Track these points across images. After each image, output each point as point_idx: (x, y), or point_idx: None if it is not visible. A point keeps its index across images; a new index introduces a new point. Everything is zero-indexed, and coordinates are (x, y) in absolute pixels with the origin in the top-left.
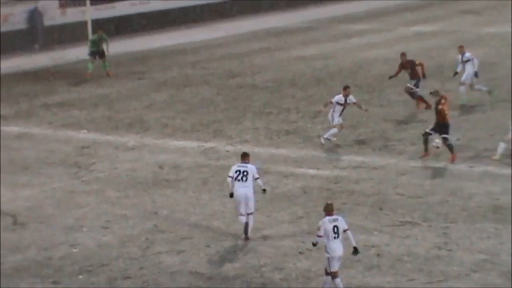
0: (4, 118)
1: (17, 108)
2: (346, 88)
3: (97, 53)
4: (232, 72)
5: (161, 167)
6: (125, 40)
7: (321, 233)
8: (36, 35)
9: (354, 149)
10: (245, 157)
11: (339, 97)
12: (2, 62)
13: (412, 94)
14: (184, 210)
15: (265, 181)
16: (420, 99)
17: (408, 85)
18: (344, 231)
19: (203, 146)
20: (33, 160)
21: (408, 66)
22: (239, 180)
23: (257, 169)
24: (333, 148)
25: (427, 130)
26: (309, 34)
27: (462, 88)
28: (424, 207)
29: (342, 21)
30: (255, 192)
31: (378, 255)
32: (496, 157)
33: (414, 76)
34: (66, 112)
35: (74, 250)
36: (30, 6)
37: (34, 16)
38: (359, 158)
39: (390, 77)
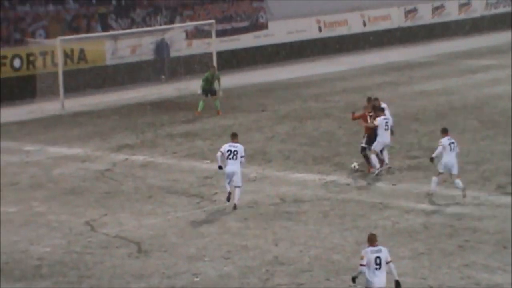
0: (130, 147)
1: (142, 138)
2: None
3: (209, 90)
4: (354, 105)
5: (282, 199)
6: (248, 72)
7: (364, 262)
8: (162, 66)
9: (477, 186)
10: (234, 137)
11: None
12: (128, 92)
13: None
14: (304, 243)
15: (386, 215)
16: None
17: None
18: (387, 263)
19: (324, 179)
20: (158, 189)
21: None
22: (230, 159)
23: (244, 149)
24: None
25: (362, 145)
26: (432, 69)
27: None
28: None
29: (466, 56)
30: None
31: None
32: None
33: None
34: (190, 142)
35: (196, 279)
36: (157, 37)
37: (161, 48)
38: (482, 195)
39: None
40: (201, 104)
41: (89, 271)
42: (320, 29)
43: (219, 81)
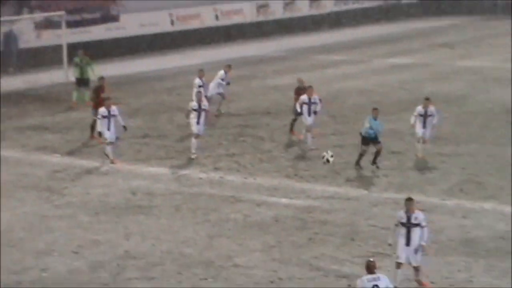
0: None
1: None
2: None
3: (82, 81)
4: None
5: (133, 193)
6: (100, 65)
7: None
8: (10, 57)
9: (327, 179)
10: None
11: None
12: None
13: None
14: (156, 237)
15: (237, 209)
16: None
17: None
18: None
19: (177, 172)
20: (5, 183)
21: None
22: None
23: None
24: (306, 178)
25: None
26: (284, 64)
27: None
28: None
29: (317, 51)
30: None
31: (349, 285)
32: None
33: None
34: (40, 135)
35: (44, 275)
36: (5, 28)
37: (9, 39)
38: (332, 188)
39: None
40: (75, 94)
41: None
42: (172, 23)
43: (91, 68)
